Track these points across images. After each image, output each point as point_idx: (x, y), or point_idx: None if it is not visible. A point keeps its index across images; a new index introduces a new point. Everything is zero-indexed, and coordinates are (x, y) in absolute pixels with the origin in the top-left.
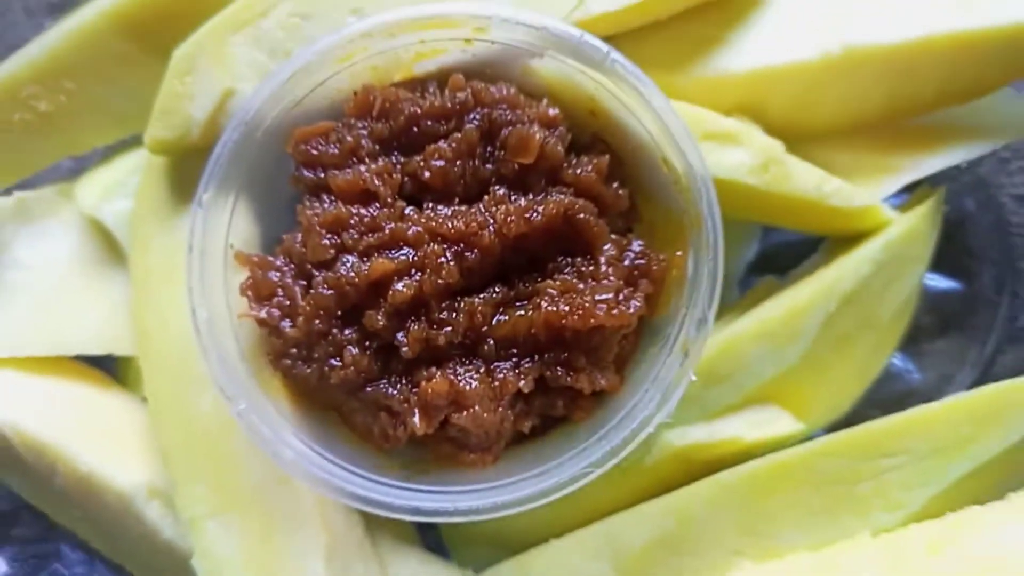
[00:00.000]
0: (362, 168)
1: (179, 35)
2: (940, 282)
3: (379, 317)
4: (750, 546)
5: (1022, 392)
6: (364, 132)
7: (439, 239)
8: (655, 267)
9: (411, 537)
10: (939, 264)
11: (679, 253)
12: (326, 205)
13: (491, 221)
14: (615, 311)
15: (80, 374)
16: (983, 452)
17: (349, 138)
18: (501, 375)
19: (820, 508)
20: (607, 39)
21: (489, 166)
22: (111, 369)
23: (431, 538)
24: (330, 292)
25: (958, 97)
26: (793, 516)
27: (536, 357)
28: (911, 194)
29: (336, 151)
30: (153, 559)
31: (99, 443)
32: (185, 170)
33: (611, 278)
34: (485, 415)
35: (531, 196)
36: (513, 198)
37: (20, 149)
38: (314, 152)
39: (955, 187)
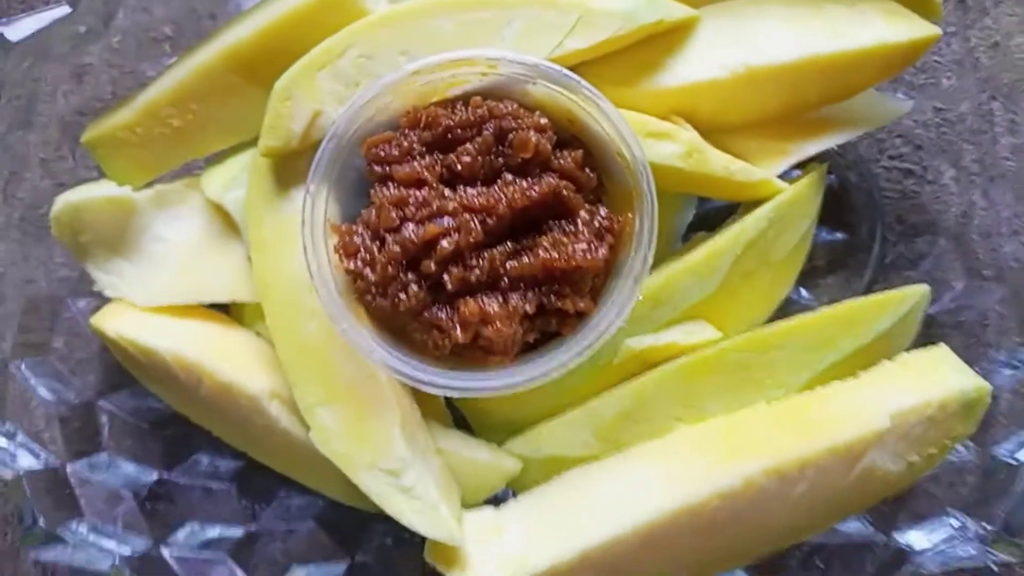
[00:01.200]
0: (415, 163)
1: (276, 71)
2: (831, 234)
3: (431, 264)
4: (685, 414)
5: (870, 307)
6: (415, 138)
7: (469, 211)
8: (615, 226)
9: (449, 423)
10: (829, 221)
11: (630, 215)
12: (391, 190)
13: (503, 197)
14: (589, 256)
15: (211, 316)
16: (845, 347)
17: (405, 143)
18: (513, 302)
19: (732, 386)
20: (577, 66)
21: (500, 160)
22: (228, 313)
23: (463, 428)
24: (398, 248)
25: (833, 99)
26: (713, 392)
27: (536, 289)
28: (803, 169)
29: (396, 152)
30: (271, 444)
31: (232, 362)
32: (283, 168)
33: (585, 234)
34: (504, 329)
35: (530, 180)
36: (518, 181)
37: (159, 155)
38: (381, 154)
39: (842, 162)
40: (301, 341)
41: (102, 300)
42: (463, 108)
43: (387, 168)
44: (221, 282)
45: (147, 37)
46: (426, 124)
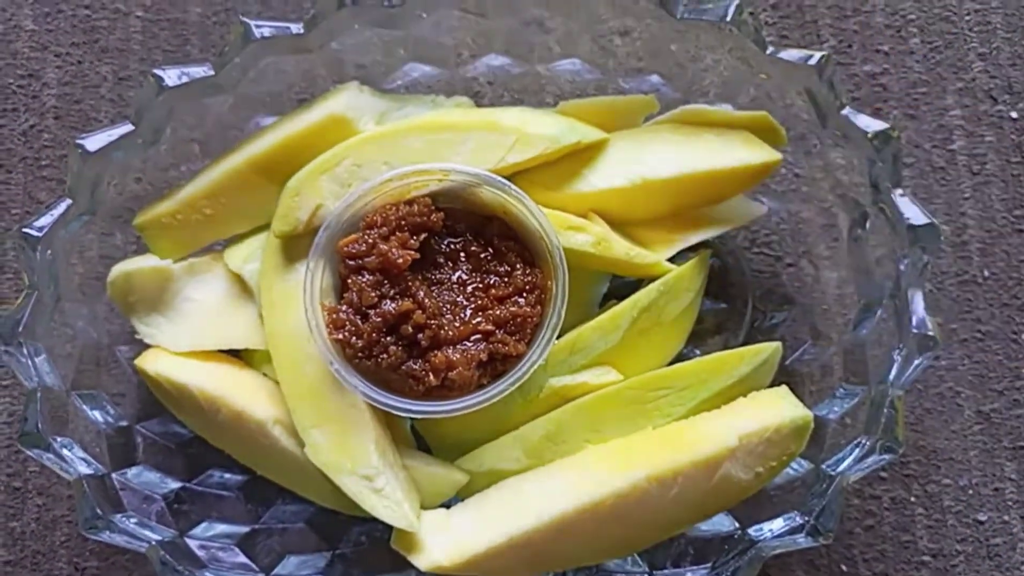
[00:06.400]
0: (383, 246)
1: (288, 174)
2: (715, 304)
3: (409, 328)
4: (592, 437)
5: (734, 357)
6: (376, 235)
7: (434, 285)
8: (543, 294)
9: (413, 446)
10: (714, 294)
11: (550, 283)
12: (368, 276)
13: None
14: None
15: (228, 360)
16: (713, 387)
17: (369, 240)
18: (472, 352)
19: (628, 416)
20: (516, 175)
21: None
22: (241, 358)
23: (423, 450)
24: (380, 319)
25: (708, 203)
26: (614, 420)
27: (486, 341)
28: (694, 252)
29: (364, 248)
30: (272, 461)
31: (244, 394)
32: (290, 247)
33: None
34: (465, 374)
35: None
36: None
37: (194, 236)
38: (352, 251)
39: (724, 249)
40: (301, 379)
41: (142, 346)
42: (405, 207)
43: (359, 261)
44: (237, 333)
45: (185, 145)
46: (382, 223)
